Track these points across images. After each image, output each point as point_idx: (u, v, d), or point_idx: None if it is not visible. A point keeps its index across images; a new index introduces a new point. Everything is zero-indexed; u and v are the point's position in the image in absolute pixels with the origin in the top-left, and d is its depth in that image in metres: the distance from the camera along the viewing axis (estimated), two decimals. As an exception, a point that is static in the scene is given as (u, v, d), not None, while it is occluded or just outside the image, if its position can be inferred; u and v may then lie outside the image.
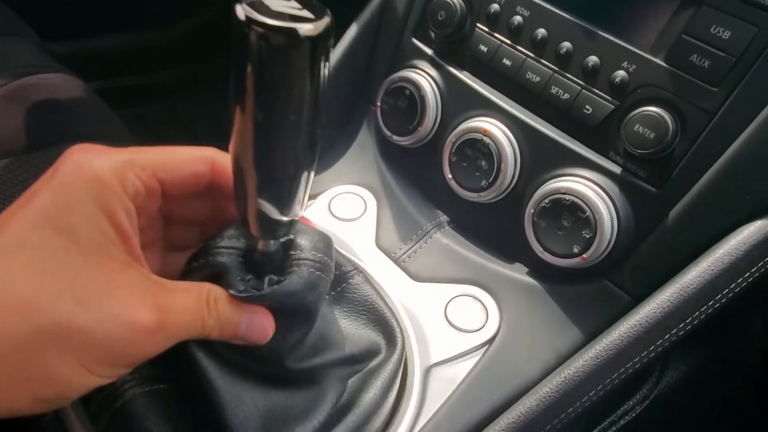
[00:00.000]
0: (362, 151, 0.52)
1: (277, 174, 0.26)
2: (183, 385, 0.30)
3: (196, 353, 0.29)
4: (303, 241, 0.30)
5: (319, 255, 0.30)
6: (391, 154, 0.51)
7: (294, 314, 0.30)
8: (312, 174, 0.27)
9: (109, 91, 0.70)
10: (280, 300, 0.29)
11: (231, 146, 0.25)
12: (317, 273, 0.30)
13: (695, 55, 0.36)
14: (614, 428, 0.52)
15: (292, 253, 0.30)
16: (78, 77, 0.72)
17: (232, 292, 0.28)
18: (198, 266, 0.29)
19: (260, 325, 0.29)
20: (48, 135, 0.63)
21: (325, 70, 0.23)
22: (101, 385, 0.28)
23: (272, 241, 0.29)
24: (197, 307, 0.27)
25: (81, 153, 0.26)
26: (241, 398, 0.30)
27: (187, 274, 0.30)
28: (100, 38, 0.99)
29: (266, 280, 0.29)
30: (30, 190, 0.26)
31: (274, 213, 0.27)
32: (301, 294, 0.29)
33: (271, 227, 0.28)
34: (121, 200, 0.26)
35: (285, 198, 0.27)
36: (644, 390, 0.54)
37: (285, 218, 0.27)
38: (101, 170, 0.25)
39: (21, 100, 0.66)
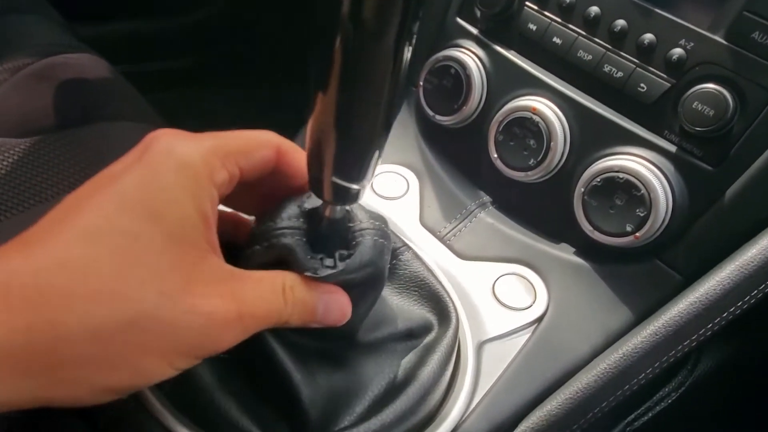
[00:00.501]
0: (403, 132, 0.51)
1: (359, 135, 0.26)
2: (245, 358, 0.30)
3: (265, 335, 0.29)
4: (359, 213, 0.31)
5: (377, 223, 0.31)
6: (431, 135, 0.51)
7: (365, 284, 0.30)
8: (384, 144, 0.27)
9: (126, 75, 0.70)
10: (353, 273, 0.29)
11: (315, 106, 0.25)
12: (381, 240, 0.30)
13: (757, 33, 0.36)
14: (650, 414, 0.52)
15: (351, 225, 0.30)
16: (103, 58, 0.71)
17: (308, 274, 0.28)
18: (261, 250, 0.28)
19: (338, 306, 0.28)
20: (76, 114, 0.63)
21: (414, 26, 0.23)
22: None
23: (339, 208, 0.29)
24: (272, 297, 0.26)
25: (169, 136, 0.25)
26: (311, 376, 0.30)
27: (248, 259, 0.29)
28: (119, 23, 0.99)
29: (336, 255, 0.29)
30: (110, 170, 0.25)
31: (348, 176, 0.27)
32: (372, 262, 0.29)
33: (342, 192, 0.28)
34: (208, 188, 0.25)
35: (360, 161, 0.27)
36: (680, 377, 0.54)
37: (355, 185, 0.27)
38: (192, 156, 0.25)
39: (49, 79, 0.65)
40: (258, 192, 0.30)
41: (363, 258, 0.29)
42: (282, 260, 0.28)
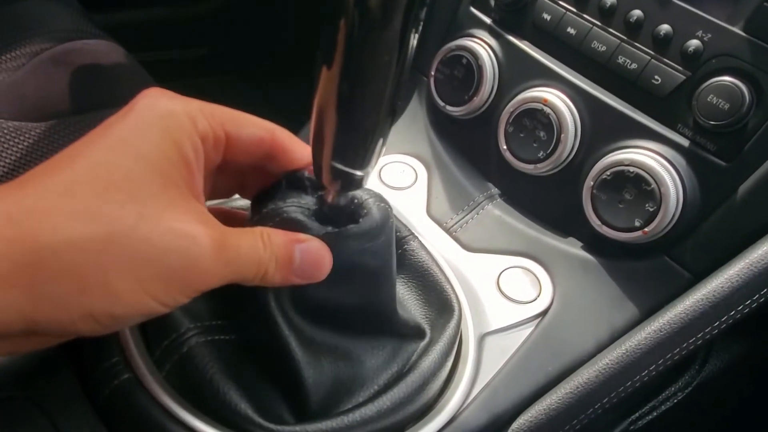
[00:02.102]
0: (413, 122, 0.51)
1: (363, 121, 0.26)
2: (250, 339, 0.30)
3: (272, 313, 0.29)
4: (360, 192, 0.31)
5: (373, 191, 0.31)
6: (441, 125, 0.50)
7: (381, 253, 0.30)
8: (389, 129, 0.27)
9: (141, 64, 0.71)
10: (368, 241, 0.29)
11: (318, 95, 0.25)
12: (383, 204, 0.31)
13: (777, 24, 0.35)
14: (655, 413, 0.52)
15: (356, 200, 0.30)
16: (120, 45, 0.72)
17: (327, 230, 0.28)
18: (273, 227, 0.28)
19: (315, 253, 0.28)
20: (92, 99, 0.63)
21: (421, 13, 0.23)
22: (160, 326, 0.29)
23: (342, 195, 0.29)
24: (253, 242, 0.27)
25: (156, 94, 0.27)
26: (318, 361, 0.30)
27: None
28: (136, 11, 1.00)
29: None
30: (104, 124, 0.26)
31: (352, 163, 0.27)
32: (381, 227, 0.30)
33: (345, 178, 0.28)
34: (190, 135, 0.26)
35: (364, 147, 0.27)
36: (687, 377, 0.53)
37: (359, 171, 0.28)
38: (174, 107, 0.26)
39: (66, 64, 0.66)
40: (253, 179, 0.31)
41: (373, 223, 0.29)
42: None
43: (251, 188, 0.31)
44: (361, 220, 0.29)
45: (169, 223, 0.24)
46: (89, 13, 0.80)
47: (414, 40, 0.24)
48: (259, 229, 0.27)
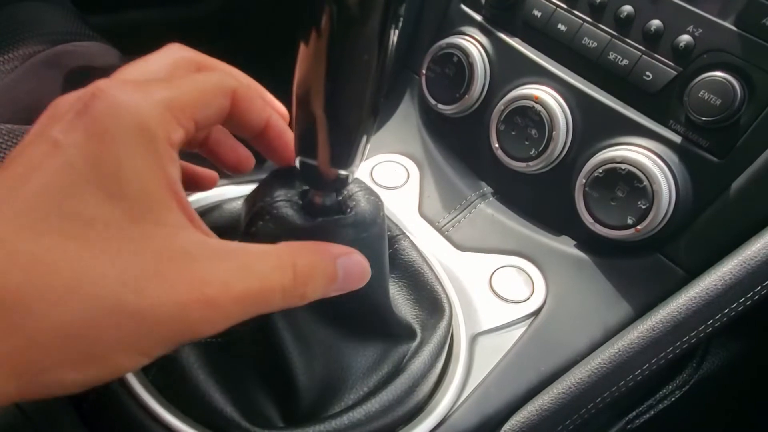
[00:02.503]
0: (405, 121, 0.51)
1: (345, 119, 0.25)
2: (242, 340, 0.30)
3: (273, 316, 0.29)
4: (350, 184, 0.30)
5: (362, 184, 0.31)
6: (434, 124, 0.50)
7: (372, 246, 0.30)
8: (372, 127, 0.27)
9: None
10: (361, 231, 0.29)
11: (296, 93, 0.25)
12: (372, 197, 0.30)
13: (768, 18, 0.34)
14: (653, 412, 0.51)
15: (346, 192, 0.30)
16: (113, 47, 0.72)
17: (320, 219, 0.28)
18: (263, 225, 0.28)
19: (357, 266, 0.26)
20: (85, 101, 0.63)
21: (399, 9, 0.23)
22: None
23: (328, 195, 0.29)
24: (273, 275, 0.23)
25: (115, 90, 0.21)
26: (310, 365, 0.30)
27: (252, 237, 0.29)
28: (131, 12, 0.99)
29: None
30: (47, 138, 0.20)
31: (336, 162, 0.27)
32: (372, 219, 0.29)
33: (329, 178, 0.27)
34: (168, 152, 0.22)
35: (348, 147, 0.26)
36: (684, 375, 0.53)
37: (344, 171, 0.27)
38: (144, 115, 0.21)
39: (59, 66, 0.66)
40: (209, 139, 0.29)
41: (365, 214, 0.29)
42: (285, 232, 0.28)
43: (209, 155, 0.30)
44: (351, 211, 0.29)
45: (157, 291, 0.20)
46: (85, 14, 0.80)
47: (394, 37, 0.23)
48: (289, 253, 0.24)
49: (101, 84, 0.21)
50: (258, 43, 1.10)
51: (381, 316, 0.33)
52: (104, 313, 0.19)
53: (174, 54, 0.26)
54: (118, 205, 0.20)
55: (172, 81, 0.24)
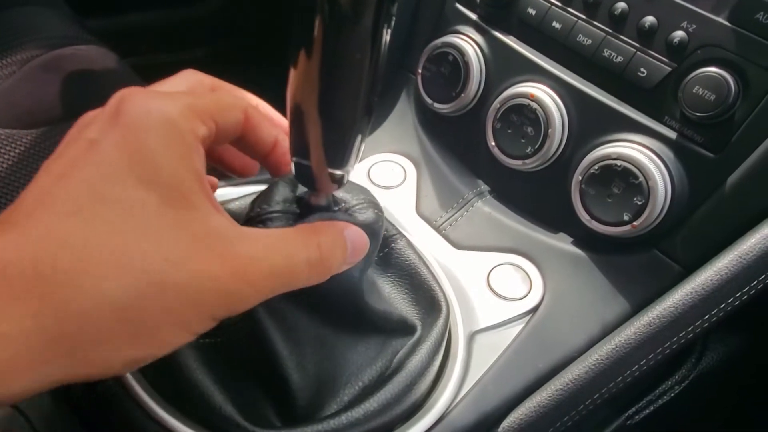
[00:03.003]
0: (401, 120, 0.51)
1: (339, 119, 0.25)
2: (234, 340, 0.30)
3: (258, 314, 0.29)
4: (342, 194, 0.31)
5: (362, 196, 0.31)
6: (430, 123, 0.50)
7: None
8: (367, 127, 0.27)
9: (136, 68, 0.71)
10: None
11: (291, 94, 0.25)
12: (373, 210, 0.31)
13: (761, 13, 0.34)
14: (652, 407, 0.51)
15: (336, 209, 0.30)
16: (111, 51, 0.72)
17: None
18: None
19: (358, 237, 0.28)
20: (84, 105, 0.63)
21: (392, 8, 0.23)
22: None
23: (323, 195, 0.29)
24: (295, 250, 0.25)
25: (141, 94, 0.23)
26: (302, 364, 0.30)
27: None
28: (128, 15, 1.00)
29: None
30: (83, 135, 0.23)
31: (331, 163, 0.27)
32: (372, 231, 0.30)
33: (323, 180, 0.27)
34: (195, 145, 0.24)
35: (342, 147, 0.26)
36: (683, 370, 0.53)
37: (338, 171, 0.27)
38: (171, 113, 0.23)
39: (57, 71, 0.66)
40: (224, 157, 0.31)
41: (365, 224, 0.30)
42: None
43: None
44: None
45: (196, 266, 0.22)
46: (82, 18, 0.80)
47: (387, 36, 0.24)
48: (305, 231, 0.26)
49: (126, 91, 0.24)
50: (257, 44, 1.10)
51: (370, 310, 0.33)
52: (150, 286, 0.21)
53: (190, 77, 0.29)
54: (154, 191, 0.22)
55: (192, 92, 0.26)
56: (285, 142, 0.29)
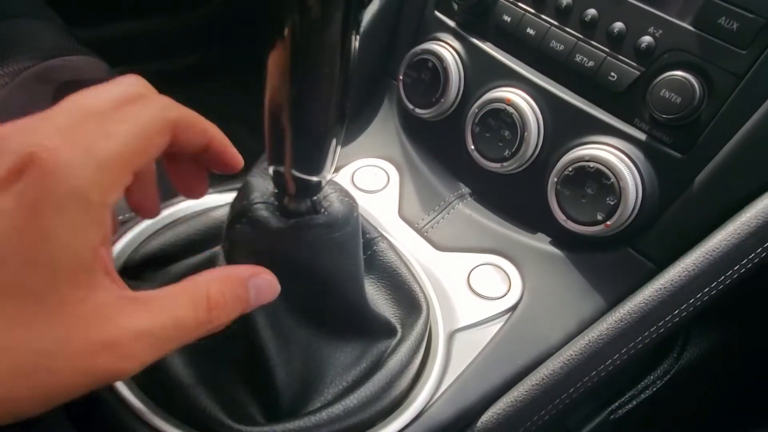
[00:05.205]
0: (384, 125, 0.52)
1: (313, 126, 0.26)
2: (223, 340, 0.31)
3: (251, 312, 0.29)
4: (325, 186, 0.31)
5: (336, 186, 0.32)
6: (413, 128, 0.51)
7: (345, 244, 0.31)
8: (342, 133, 0.28)
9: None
10: (334, 232, 0.30)
11: (266, 103, 0.26)
12: (346, 198, 0.31)
13: (723, 18, 0.35)
14: (635, 402, 0.52)
15: (315, 199, 0.31)
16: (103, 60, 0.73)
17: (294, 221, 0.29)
18: (242, 227, 0.29)
19: (266, 284, 0.28)
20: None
21: (359, 14, 0.24)
22: None
23: (302, 200, 0.30)
24: (184, 313, 0.24)
25: (53, 152, 0.21)
26: (288, 362, 0.31)
27: (233, 241, 0.30)
28: (119, 24, 1.01)
29: None
30: None
31: (306, 169, 0.28)
32: (345, 219, 0.30)
33: (302, 184, 0.28)
34: (100, 217, 0.23)
35: (317, 153, 0.27)
36: (665, 365, 0.54)
37: (315, 177, 0.28)
38: (81, 183, 0.21)
39: (48, 82, 0.67)
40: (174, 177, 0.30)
41: (338, 214, 0.30)
42: (261, 234, 0.29)
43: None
44: (324, 211, 0.30)
45: (68, 349, 0.22)
46: (75, 28, 0.81)
47: (356, 41, 0.24)
48: (204, 288, 0.25)
49: (39, 145, 0.21)
50: (248, 51, 1.11)
51: (359, 312, 0.34)
52: (18, 378, 0.21)
53: (124, 85, 0.27)
54: (41, 273, 0.21)
55: (113, 127, 0.23)
56: (221, 137, 0.29)
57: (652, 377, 0.52)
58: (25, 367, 0.21)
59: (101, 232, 0.23)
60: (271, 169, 0.28)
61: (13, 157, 0.21)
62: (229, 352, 0.31)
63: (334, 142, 0.27)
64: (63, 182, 0.21)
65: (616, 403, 0.52)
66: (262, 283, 0.28)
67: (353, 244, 0.32)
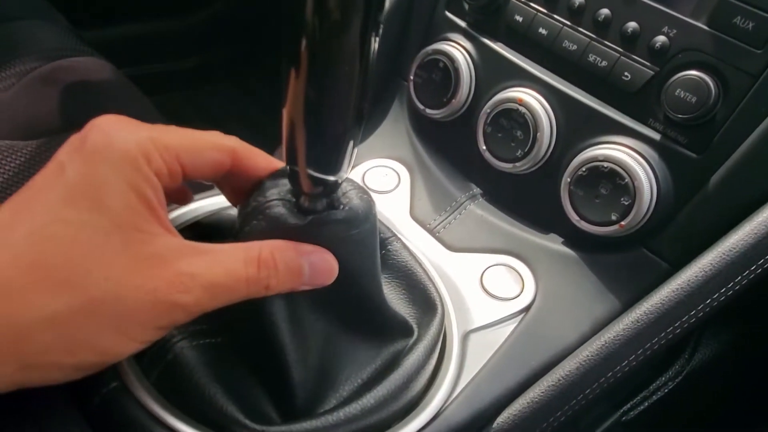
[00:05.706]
0: (395, 126, 0.52)
1: (331, 127, 0.26)
2: (239, 338, 0.31)
3: (270, 306, 0.29)
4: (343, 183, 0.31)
5: (354, 182, 0.32)
6: (423, 129, 0.51)
7: (364, 241, 0.31)
8: (359, 133, 0.28)
9: (133, 78, 0.72)
10: (352, 228, 0.30)
11: (284, 104, 0.26)
12: (365, 195, 0.31)
13: (738, 17, 0.35)
14: (647, 403, 0.52)
15: (333, 195, 0.30)
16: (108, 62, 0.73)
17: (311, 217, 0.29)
18: (257, 224, 0.29)
19: (324, 264, 0.29)
20: (81, 116, 0.64)
21: (379, 16, 0.24)
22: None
23: (318, 200, 0.30)
24: (237, 266, 0.27)
25: (107, 125, 0.26)
26: (304, 359, 0.30)
27: (247, 236, 0.30)
28: (123, 26, 1.01)
29: None
30: (56, 161, 0.26)
31: (324, 169, 0.28)
32: (365, 215, 0.30)
33: (319, 184, 0.28)
34: (146, 175, 0.26)
35: (335, 153, 0.27)
36: (677, 366, 0.54)
37: (332, 177, 0.28)
38: (128, 145, 0.26)
39: (55, 83, 0.67)
40: (226, 188, 0.32)
41: (357, 210, 0.30)
42: (277, 230, 0.29)
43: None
44: (343, 207, 0.30)
45: (135, 282, 0.25)
46: (79, 30, 0.81)
47: (375, 44, 0.24)
48: (257, 247, 0.28)
49: (98, 120, 0.26)
50: (252, 52, 1.12)
51: (378, 310, 0.34)
52: (88, 302, 0.24)
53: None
54: (105, 216, 0.25)
55: (164, 127, 0.28)
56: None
57: (663, 378, 0.52)
58: (96, 292, 0.24)
59: (153, 192, 0.26)
60: (288, 170, 0.28)
61: (83, 130, 0.26)
62: (244, 350, 0.31)
63: (352, 142, 0.27)
64: (115, 143, 0.25)
65: (628, 405, 0.51)
66: (319, 263, 0.29)
67: (371, 241, 0.32)
